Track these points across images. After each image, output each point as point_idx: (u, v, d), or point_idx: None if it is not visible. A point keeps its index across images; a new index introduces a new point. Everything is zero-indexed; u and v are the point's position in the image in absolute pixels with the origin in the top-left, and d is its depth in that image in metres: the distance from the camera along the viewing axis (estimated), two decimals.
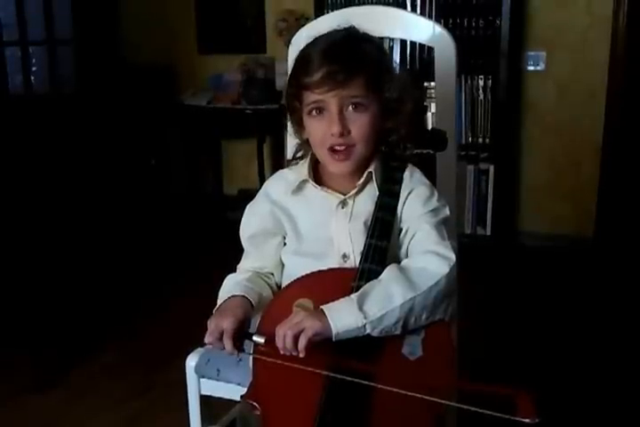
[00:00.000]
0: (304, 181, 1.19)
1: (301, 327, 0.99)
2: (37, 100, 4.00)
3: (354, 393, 0.99)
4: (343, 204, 1.17)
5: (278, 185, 1.23)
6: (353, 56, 1.11)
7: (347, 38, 1.15)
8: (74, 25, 3.98)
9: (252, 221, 1.24)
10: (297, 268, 1.17)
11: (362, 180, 1.16)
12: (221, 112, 3.95)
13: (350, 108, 1.11)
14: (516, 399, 0.91)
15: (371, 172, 1.16)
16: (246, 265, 1.26)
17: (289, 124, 1.23)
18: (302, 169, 1.20)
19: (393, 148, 1.20)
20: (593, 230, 3.42)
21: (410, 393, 0.93)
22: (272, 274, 1.25)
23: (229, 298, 1.15)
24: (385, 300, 1.02)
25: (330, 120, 1.11)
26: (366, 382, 0.97)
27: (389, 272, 1.07)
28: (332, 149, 1.13)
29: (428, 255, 1.09)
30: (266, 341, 1.03)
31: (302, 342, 0.98)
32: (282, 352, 1.01)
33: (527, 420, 0.88)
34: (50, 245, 3.25)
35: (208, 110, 3.99)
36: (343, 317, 1.01)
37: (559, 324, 2.64)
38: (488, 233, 3.48)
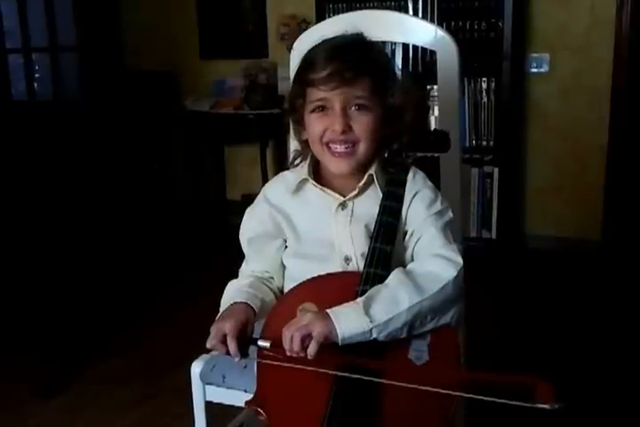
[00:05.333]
0: (304, 181, 1.18)
1: (310, 330, 0.98)
2: (41, 106, 4.02)
3: (362, 398, 0.98)
4: (343, 205, 1.16)
5: (278, 186, 1.23)
6: (361, 57, 1.12)
7: (355, 41, 1.15)
8: (76, 32, 4.01)
9: (251, 224, 1.24)
10: (299, 270, 1.16)
11: (362, 182, 1.15)
12: (224, 117, 3.95)
13: (354, 108, 1.11)
14: (533, 387, 0.89)
15: (372, 174, 1.15)
16: (247, 269, 1.26)
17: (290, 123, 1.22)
18: (302, 170, 1.20)
19: (394, 155, 1.19)
20: (599, 233, 3.40)
21: (423, 388, 0.92)
22: (273, 278, 1.24)
23: (231, 305, 1.14)
24: (391, 304, 1.01)
25: (332, 118, 1.11)
26: (375, 379, 0.95)
27: (395, 276, 1.06)
28: (329, 145, 1.12)
29: (435, 259, 1.09)
30: (271, 345, 1.02)
31: (313, 348, 0.97)
32: (288, 353, 0.99)
33: (546, 406, 0.86)
34: (53, 250, 3.25)
35: (211, 116, 3.99)
36: (349, 321, 0.99)
37: (566, 327, 2.62)
38: (493, 236, 3.46)
